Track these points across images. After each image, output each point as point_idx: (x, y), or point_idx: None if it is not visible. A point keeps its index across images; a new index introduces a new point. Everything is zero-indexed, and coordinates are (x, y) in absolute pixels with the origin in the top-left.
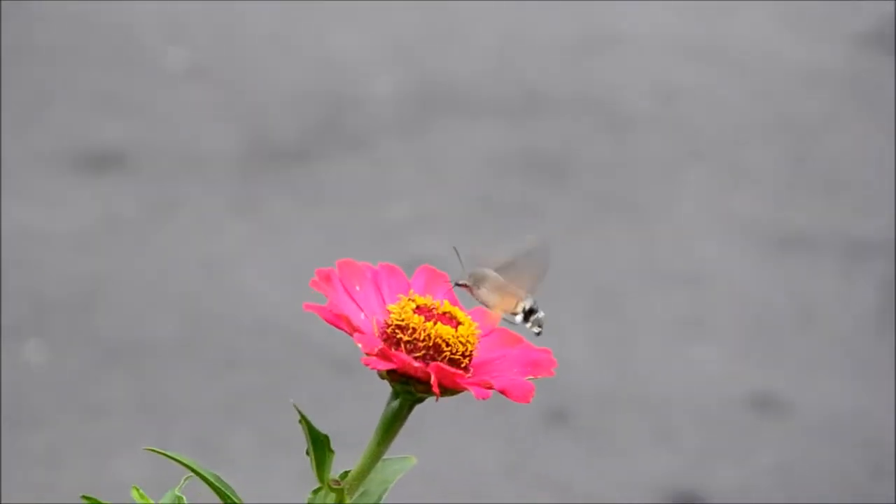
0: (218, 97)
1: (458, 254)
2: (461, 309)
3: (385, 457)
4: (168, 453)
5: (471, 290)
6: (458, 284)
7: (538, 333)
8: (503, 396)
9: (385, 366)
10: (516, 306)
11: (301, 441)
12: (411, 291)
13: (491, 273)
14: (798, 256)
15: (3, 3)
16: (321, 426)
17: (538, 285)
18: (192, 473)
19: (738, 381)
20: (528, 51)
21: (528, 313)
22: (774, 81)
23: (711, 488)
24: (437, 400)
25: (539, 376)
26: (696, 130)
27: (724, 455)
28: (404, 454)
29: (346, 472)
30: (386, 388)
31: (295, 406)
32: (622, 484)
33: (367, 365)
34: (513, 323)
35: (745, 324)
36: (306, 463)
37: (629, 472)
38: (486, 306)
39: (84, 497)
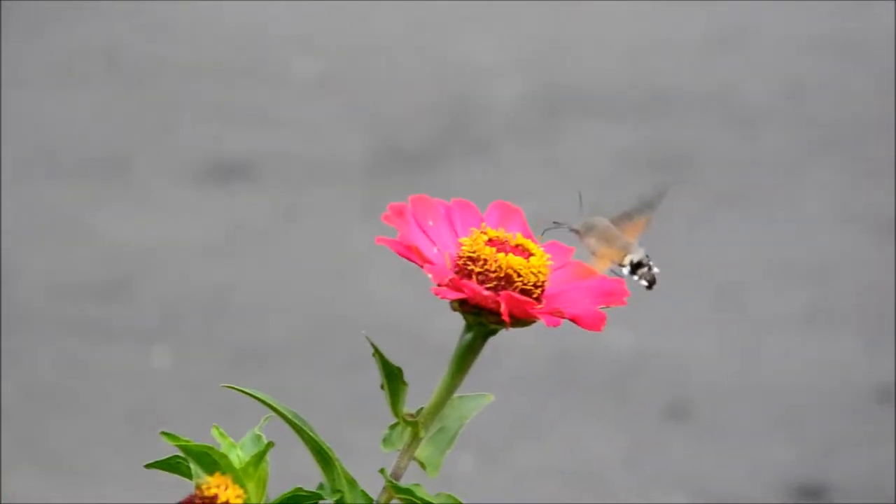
0: (344, 104)
1: (580, 200)
2: (534, 242)
3: (461, 394)
4: (244, 389)
5: (580, 236)
6: (570, 229)
7: (648, 287)
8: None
9: (455, 295)
10: (623, 258)
11: None
12: (483, 224)
13: (602, 221)
14: None
15: (126, 14)
16: None
17: (643, 231)
18: (272, 413)
19: (865, 373)
20: (655, 50)
21: (637, 266)
22: None
23: (837, 481)
24: (507, 329)
25: (611, 305)
26: (822, 124)
27: (851, 446)
28: (523, 447)
29: (422, 409)
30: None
31: (367, 338)
32: (745, 478)
33: (437, 295)
34: (620, 275)
35: (871, 316)
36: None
37: (752, 466)
38: (594, 255)
39: (163, 433)
